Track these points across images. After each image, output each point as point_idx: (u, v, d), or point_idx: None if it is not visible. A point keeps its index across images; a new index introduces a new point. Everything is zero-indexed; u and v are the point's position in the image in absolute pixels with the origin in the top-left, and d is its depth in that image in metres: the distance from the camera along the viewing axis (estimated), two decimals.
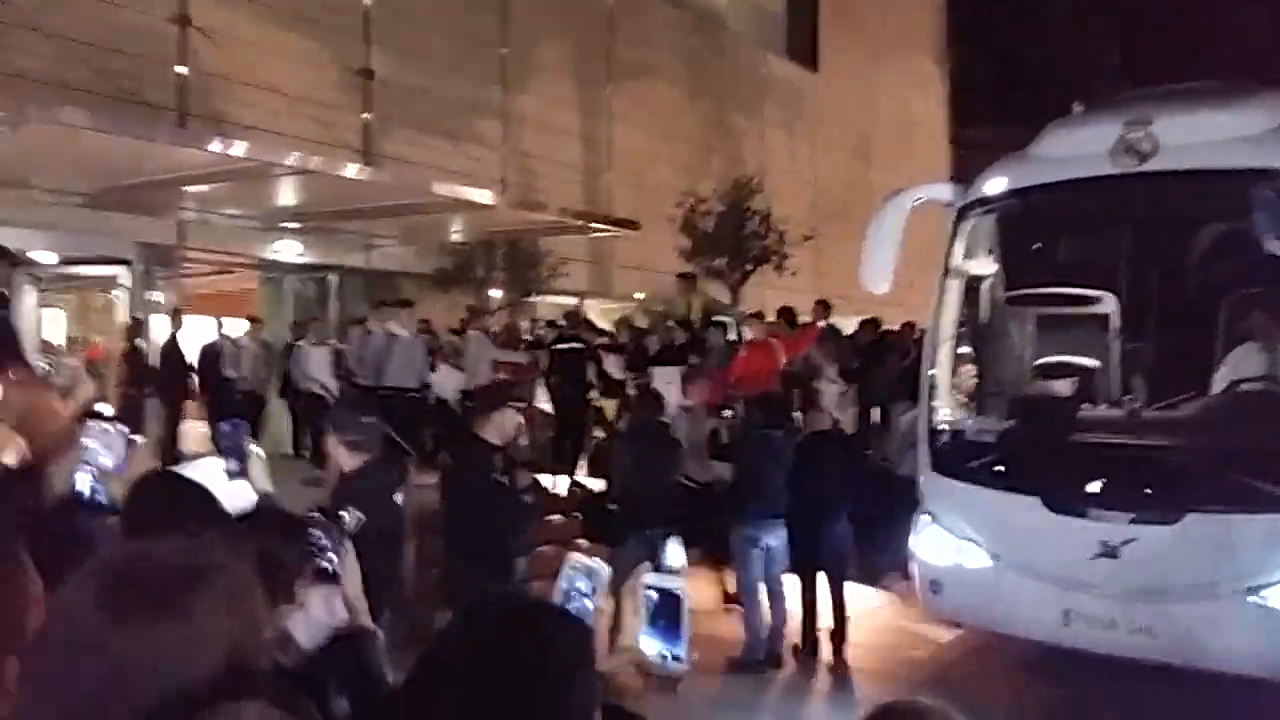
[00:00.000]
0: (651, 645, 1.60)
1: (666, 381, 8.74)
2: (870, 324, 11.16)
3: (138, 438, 2.18)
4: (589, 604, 1.65)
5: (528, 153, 16.23)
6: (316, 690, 2.00)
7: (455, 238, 13.69)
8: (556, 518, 8.38)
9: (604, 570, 1.68)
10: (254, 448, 2.84)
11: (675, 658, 1.59)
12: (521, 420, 5.22)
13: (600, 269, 17.20)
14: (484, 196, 11.75)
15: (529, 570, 5.15)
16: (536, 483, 5.71)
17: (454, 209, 11.92)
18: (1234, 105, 5.76)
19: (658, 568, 6.35)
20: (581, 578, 1.68)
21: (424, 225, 12.82)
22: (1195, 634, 4.97)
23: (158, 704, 0.91)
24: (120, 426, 2.18)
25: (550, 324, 12.77)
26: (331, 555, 2.33)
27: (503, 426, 5.05)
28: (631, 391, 9.23)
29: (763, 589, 6.54)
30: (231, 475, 2.70)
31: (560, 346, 10.58)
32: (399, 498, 4.36)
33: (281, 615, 2.23)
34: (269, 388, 11.23)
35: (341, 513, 3.81)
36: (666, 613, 1.61)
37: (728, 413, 8.19)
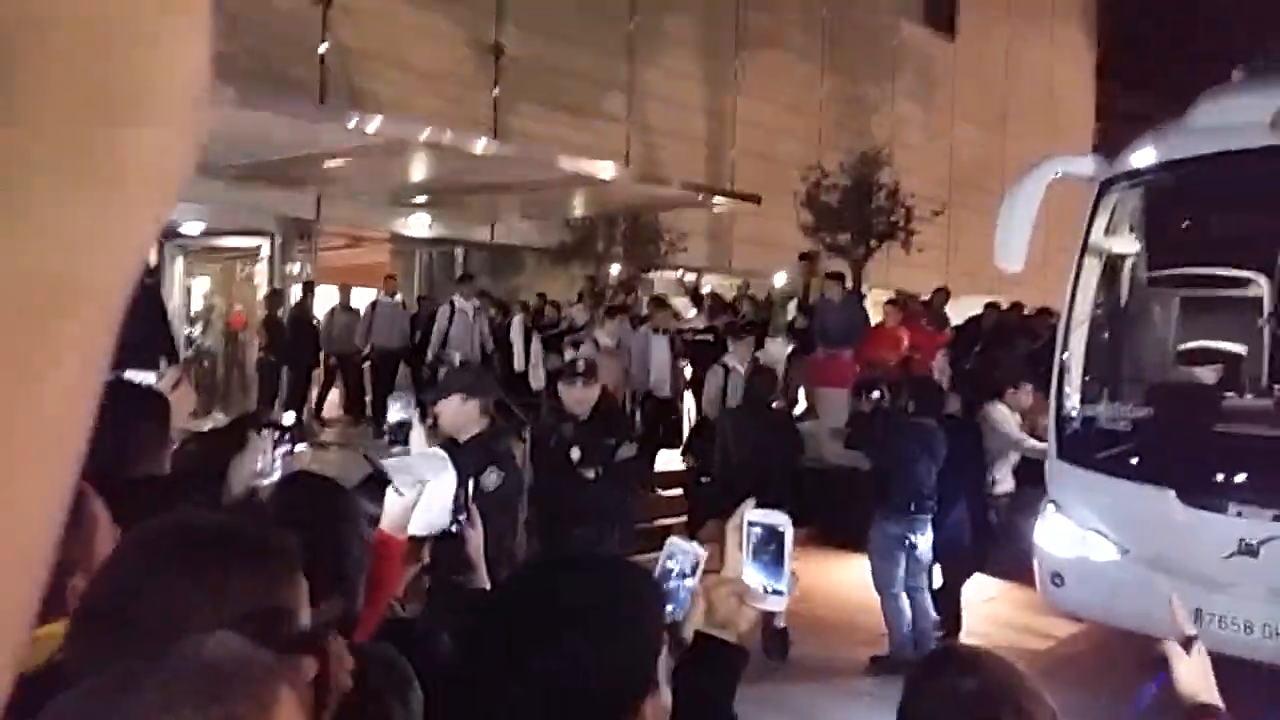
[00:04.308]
0: (754, 578, 1.64)
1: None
2: (993, 308, 11.07)
3: (301, 446, 2.34)
4: (687, 583, 1.66)
5: (652, 126, 16.21)
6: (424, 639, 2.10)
7: (577, 212, 13.82)
8: (664, 493, 8.44)
9: (702, 554, 1.69)
10: (415, 416, 3.01)
11: (776, 591, 1.64)
12: (597, 391, 5.19)
13: (719, 244, 17.09)
14: (607, 170, 11.82)
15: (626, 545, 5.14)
16: (632, 459, 5.51)
17: (577, 183, 12.05)
18: None
19: None
20: (680, 558, 1.69)
21: (548, 200, 13.00)
22: None
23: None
24: (287, 434, 2.35)
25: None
26: (459, 518, 2.44)
27: (578, 399, 5.09)
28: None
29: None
30: (394, 441, 2.85)
31: (697, 339, 10.70)
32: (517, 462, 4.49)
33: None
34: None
35: (484, 474, 3.95)
36: (770, 547, 1.65)
37: (875, 394, 7.20)
